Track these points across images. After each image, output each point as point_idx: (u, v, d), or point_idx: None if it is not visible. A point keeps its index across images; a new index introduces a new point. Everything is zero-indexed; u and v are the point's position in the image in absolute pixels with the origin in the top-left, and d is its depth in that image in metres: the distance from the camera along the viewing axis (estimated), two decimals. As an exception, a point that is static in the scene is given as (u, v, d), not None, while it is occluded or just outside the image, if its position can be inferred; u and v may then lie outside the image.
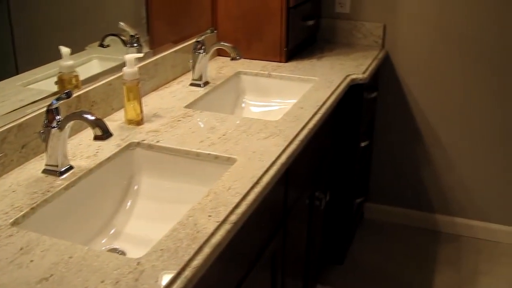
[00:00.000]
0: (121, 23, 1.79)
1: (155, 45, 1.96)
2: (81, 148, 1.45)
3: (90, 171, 1.34)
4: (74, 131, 1.52)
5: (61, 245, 1.04)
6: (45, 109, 1.29)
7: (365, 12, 2.60)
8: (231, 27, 2.30)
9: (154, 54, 1.94)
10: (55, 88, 1.52)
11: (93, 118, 1.23)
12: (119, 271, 0.96)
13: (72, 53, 1.54)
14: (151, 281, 0.94)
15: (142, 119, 1.63)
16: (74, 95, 1.52)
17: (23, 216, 1.14)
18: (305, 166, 1.77)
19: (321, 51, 2.50)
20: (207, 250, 1.04)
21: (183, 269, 0.98)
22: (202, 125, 1.62)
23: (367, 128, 2.55)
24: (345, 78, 2.11)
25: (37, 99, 1.43)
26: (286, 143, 1.50)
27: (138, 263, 0.99)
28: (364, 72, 2.20)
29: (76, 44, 1.59)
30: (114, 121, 1.63)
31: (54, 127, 1.27)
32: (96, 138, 1.23)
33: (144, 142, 1.50)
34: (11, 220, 1.12)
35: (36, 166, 1.35)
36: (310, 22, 2.43)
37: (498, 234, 2.71)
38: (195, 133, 1.56)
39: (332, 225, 2.41)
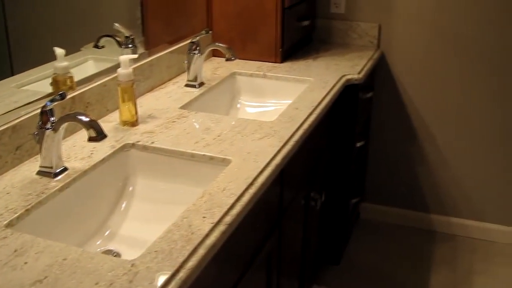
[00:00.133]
0: (116, 24, 1.79)
1: (150, 46, 1.95)
2: (75, 149, 1.45)
3: (85, 172, 1.34)
4: (69, 133, 1.52)
5: (55, 247, 1.04)
6: (39, 110, 1.29)
7: (360, 12, 2.60)
8: (226, 28, 2.30)
9: (149, 55, 1.94)
10: (50, 90, 1.52)
11: (87, 119, 1.23)
12: (113, 272, 0.96)
13: (67, 54, 1.53)
14: (145, 282, 0.94)
15: (137, 120, 1.63)
16: (69, 96, 1.52)
17: (18, 218, 1.14)
18: (300, 166, 1.77)
19: (317, 52, 2.50)
20: (201, 251, 1.04)
21: (177, 270, 0.98)
22: (197, 126, 1.62)
23: (362, 128, 2.55)
24: (340, 79, 2.11)
25: (31, 100, 1.43)
26: (281, 144, 1.50)
27: (133, 265, 0.98)
28: (359, 73, 2.20)
29: (71, 45, 1.59)
30: (109, 122, 1.63)
31: (48, 129, 1.27)
32: (91, 139, 1.23)
33: (139, 143, 1.50)
34: (5, 222, 1.11)
35: (30, 167, 1.35)
36: (306, 23, 2.44)
37: (493, 233, 2.72)
38: (190, 134, 1.56)
39: (328, 225, 2.41)
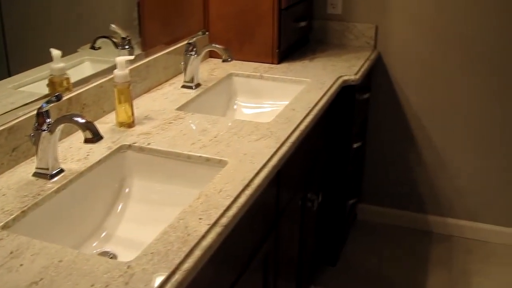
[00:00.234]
0: (113, 25, 1.78)
1: (147, 47, 1.95)
2: (72, 151, 1.45)
3: (81, 174, 1.34)
4: (65, 134, 1.52)
5: (51, 248, 1.04)
6: (35, 111, 1.28)
7: (357, 13, 2.61)
8: (223, 29, 2.30)
9: (146, 56, 1.93)
10: (46, 91, 1.52)
11: (83, 121, 1.22)
12: (109, 274, 0.96)
13: (64, 55, 1.53)
14: (141, 284, 0.94)
15: (133, 122, 1.63)
16: (65, 97, 1.52)
17: (14, 219, 1.14)
18: (297, 167, 1.78)
19: (313, 53, 2.50)
20: (198, 253, 1.04)
21: (173, 272, 0.98)
22: (193, 127, 1.62)
23: (359, 129, 2.56)
24: (337, 79, 2.12)
25: (28, 101, 1.43)
26: (277, 145, 1.50)
27: (128, 267, 0.98)
28: (356, 73, 2.20)
29: (68, 46, 1.59)
30: (105, 124, 1.63)
31: (44, 130, 1.27)
32: (87, 141, 1.23)
33: (135, 144, 1.50)
34: (1, 224, 1.11)
35: (26, 169, 1.34)
36: (302, 23, 2.44)
37: (488, 234, 2.73)
38: (187, 135, 1.56)
39: (325, 226, 2.41)
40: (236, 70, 2.19)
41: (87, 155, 1.42)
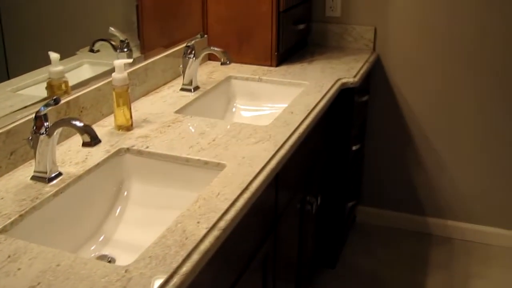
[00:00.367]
0: (111, 28, 1.79)
1: (146, 50, 1.95)
2: (70, 154, 1.45)
3: (79, 177, 1.34)
4: (63, 137, 1.52)
5: (49, 252, 1.03)
6: (34, 115, 1.28)
7: (356, 15, 2.61)
8: (222, 32, 2.30)
9: (145, 59, 1.93)
10: (45, 94, 1.52)
11: (81, 124, 1.22)
12: (106, 279, 0.96)
13: (63, 58, 1.54)
14: (139, 288, 0.94)
15: (131, 125, 1.63)
16: (64, 100, 1.52)
17: (11, 223, 1.14)
18: (295, 170, 1.77)
19: (312, 55, 2.50)
20: (196, 257, 1.04)
21: (171, 276, 0.98)
22: (192, 131, 1.62)
23: (358, 131, 2.56)
24: (336, 82, 2.12)
25: (26, 105, 1.43)
26: (276, 148, 1.50)
27: (126, 271, 0.98)
28: (355, 76, 2.20)
29: (67, 49, 1.59)
30: (103, 127, 1.63)
31: (42, 134, 1.27)
32: (85, 144, 1.23)
33: (134, 148, 1.50)
34: (-1, 228, 1.11)
35: (24, 172, 1.34)
36: (301, 26, 2.44)
37: (488, 236, 2.72)
38: (185, 138, 1.56)
39: (324, 229, 2.41)
40: (235, 73, 2.19)
41: (86, 158, 1.42)
